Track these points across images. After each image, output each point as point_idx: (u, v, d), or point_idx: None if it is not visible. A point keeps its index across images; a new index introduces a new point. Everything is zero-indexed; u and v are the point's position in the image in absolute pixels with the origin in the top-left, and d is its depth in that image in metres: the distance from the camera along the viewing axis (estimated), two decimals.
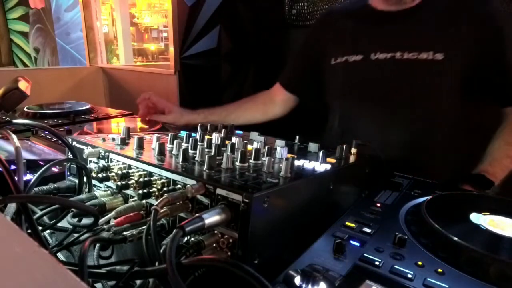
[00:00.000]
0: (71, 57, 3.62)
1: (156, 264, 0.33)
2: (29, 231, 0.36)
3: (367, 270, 0.37)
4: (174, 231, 0.34)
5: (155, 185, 0.46)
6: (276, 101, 1.25)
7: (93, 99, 1.94)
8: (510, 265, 0.37)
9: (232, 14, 1.82)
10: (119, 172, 0.49)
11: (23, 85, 0.59)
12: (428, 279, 0.35)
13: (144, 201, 0.47)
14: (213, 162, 0.46)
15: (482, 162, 0.88)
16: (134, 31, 5.17)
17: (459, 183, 0.83)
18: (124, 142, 0.58)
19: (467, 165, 0.91)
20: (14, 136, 0.46)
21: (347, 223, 0.48)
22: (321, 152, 0.55)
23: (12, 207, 0.39)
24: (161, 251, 0.34)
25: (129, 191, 0.49)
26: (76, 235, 0.45)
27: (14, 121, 0.58)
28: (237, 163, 0.48)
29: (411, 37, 0.93)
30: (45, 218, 0.49)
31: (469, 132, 0.95)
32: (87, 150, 0.54)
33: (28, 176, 0.60)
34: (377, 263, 0.38)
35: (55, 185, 0.53)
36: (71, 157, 0.56)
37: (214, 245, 0.39)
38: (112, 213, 0.45)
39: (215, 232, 0.39)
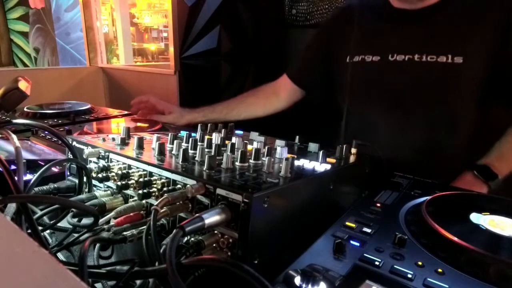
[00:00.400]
0: (71, 57, 3.62)
1: (156, 264, 0.33)
2: (29, 231, 0.36)
3: (367, 270, 0.37)
4: (174, 231, 0.34)
5: (155, 185, 0.46)
6: (280, 95, 1.23)
7: (93, 99, 1.94)
8: (510, 265, 0.37)
9: (232, 14, 1.81)
10: (119, 172, 0.49)
11: (23, 85, 0.59)
12: (428, 279, 0.35)
13: (144, 201, 0.47)
14: (213, 162, 0.46)
15: (488, 155, 0.88)
16: (134, 31, 5.17)
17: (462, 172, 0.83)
18: (124, 142, 0.58)
19: None
20: (14, 136, 0.46)
21: (347, 223, 0.48)
22: (321, 152, 0.55)
23: (12, 207, 0.39)
24: (161, 251, 0.34)
25: (129, 191, 0.49)
26: (76, 235, 0.45)
27: (14, 121, 0.58)
28: (237, 163, 0.48)
29: (429, 39, 0.91)
30: (45, 218, 0.49)
31: (485, 134, 0.95)
32: (87, 150, 0.54)
33: (28, 176, 0.60)
34: (377, 263, 0.38)
35: (55, 185, 0.53)
36: (71, 157, 0.56)
37: (214, 245, 0.39)
38: (112, 213, 0.45)
39: (215, 232, 0.39)
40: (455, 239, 0.41)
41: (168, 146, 0.57)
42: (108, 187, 0.53)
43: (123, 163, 0.51)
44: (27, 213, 0.36)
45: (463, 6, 0.89)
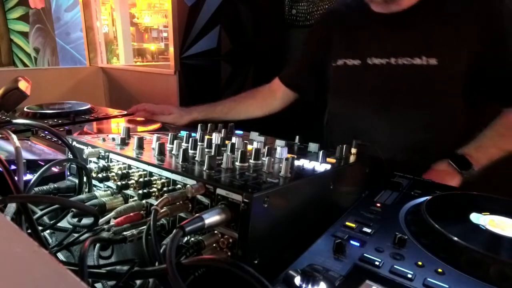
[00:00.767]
0: (71, 57, 3.62)
1: (156, 264, 0.33)
2: (29, 231, 0.36)
3: (367, 270, 0.37)
4: (174, 231, 0.34)
5: (155, 185, 0.46)
6: (276, 96, 1.25)
7: (93, 99, 1.94)
8: (510, 265, 0.37)
9: (232, 14, 1.82)
10: (119, 172, 0.49)
11: (23, 85, 0.59)
12: (428, 279, 0.35)
13: (144, 201, 0.47)
14: (213, 162, 0.46)
15: (467, 146, 0.88)
16: (134, 31, 5.17)
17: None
18: (124, 142, 0.58)
19: None
20: (14, 136, 0.46)
21: (347, 223, 0.48)
22: (321, 152, 0.55)
23: (12, 207, 0.39)
24: (161, 251, 0.34)
25: (129, 191, 0.49)
26: (76, 235, 0.45)
27: (14, 121, 0.58)
28: (237, 163, 0.48)
29: (403, 42, 0.92)
30: (45, 218, 0.49)
31: (469, 132, 0.95)
32: (87, 150, 0.54)
33: (28, 176, 0.60)
34: (377, 263, 0.38)
35: (55, 185, 0.53)
36: (71, 157, 0.56)
37: (214, 245, 0.39)
38: (112, 213, 0.45)
39: (215, 232, 0.39)
40: (455, 239, 0.41)
41: (168, 146, 0.57)
42: (108, 187, 0.53)
43: (123, 163, 0.51)
44: (27, 213, 0.36)
45: (438, 8, 0.90)
